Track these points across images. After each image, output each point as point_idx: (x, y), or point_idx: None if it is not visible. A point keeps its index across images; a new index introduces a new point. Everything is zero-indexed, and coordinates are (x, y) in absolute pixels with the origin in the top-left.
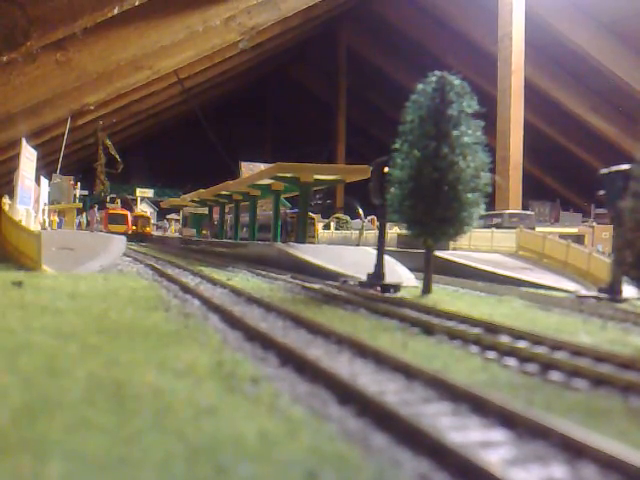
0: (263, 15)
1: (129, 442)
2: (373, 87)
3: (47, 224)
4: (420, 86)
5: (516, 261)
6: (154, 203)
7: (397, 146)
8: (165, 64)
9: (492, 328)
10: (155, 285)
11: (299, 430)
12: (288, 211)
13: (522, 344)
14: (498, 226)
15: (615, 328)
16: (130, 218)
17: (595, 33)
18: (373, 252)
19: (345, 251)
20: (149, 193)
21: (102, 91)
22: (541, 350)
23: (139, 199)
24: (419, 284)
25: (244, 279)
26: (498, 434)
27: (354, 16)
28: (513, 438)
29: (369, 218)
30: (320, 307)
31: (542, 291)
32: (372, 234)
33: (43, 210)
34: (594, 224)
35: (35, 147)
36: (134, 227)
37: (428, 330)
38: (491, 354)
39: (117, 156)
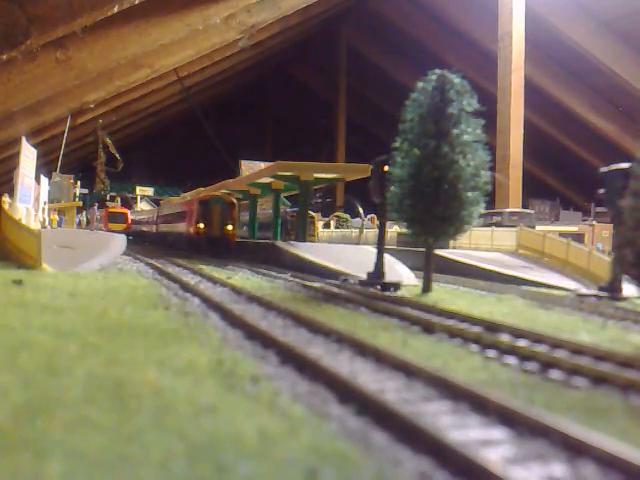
0: (263, 13)
1: (129, 440)
2: (373, 86)
3: (47, 223)
4: (420, 84)
5: (516, 260)
6: (154, 201)
7: (397, 145)
8: (165, 63)
9: (492, 327)
10: (155, 283)
11: (299, 429)
12: (288, 210)
13: (522, 343)
14: (498, 225)
15: (615, 326)
16: (193, 208)
17: (595, 31)
18: (373, 251)
19: (345, 250)
20: (149, 191)
21: (102, 90)
22: (541, 349)
23: (139, 197)
24: (419, 283)
25: (244, 277)
26: (498, 432)
27: (354, 15)
28: (513, 436)
29: (369, 217)
30: (320, 306)
31: (542, 290)
32: (372, 233)
33: (43, 209)
34: (594, 223)
35: (35, 145)
36: (200, 225)
37: (428, 329)
38: (491, 353)
39: (117, 155)
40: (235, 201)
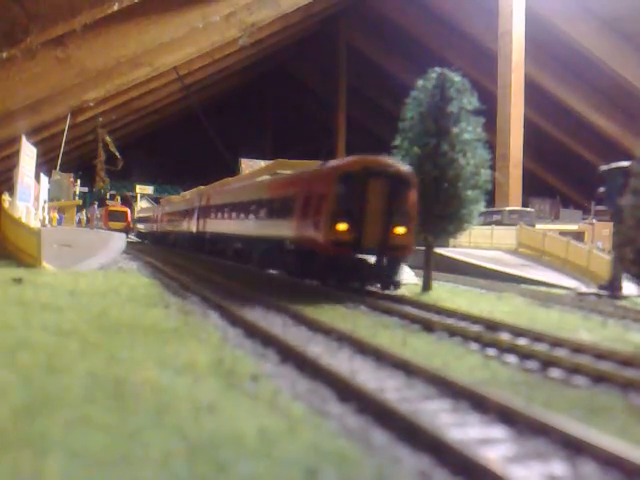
0: (263, 11)
1: (129, 439)
2: (373, 84)
3: (47, 221)
4: (420, 82)
5: (516, 258)
6: (154, 200)
7: (397, 143)
8: (165, 61)
9: (492, 325)
10: (155, 282)
11: (299, 427)
12: None
13: (522, 341)
14: (498, 223)
15: (615, 325)
16: (323, 189)
17: (596, 30)
18: None
19: None
20: (149, 190)
21: (102, 88)
22: (541, 347)
23: (139, 196)
24: (419, 281)
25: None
26: (498, 431)
27: (354, 13)
28: (513, 435)
29: None
30: (320, 304)
31: (542, 288)
32: None
33: (43, 207)
34: (594, 221)
35: (35, 144)
36: (341, 226)
37: (428, 327)
38: (491, 351)
39: (117, 153)
40: (412, 176)
